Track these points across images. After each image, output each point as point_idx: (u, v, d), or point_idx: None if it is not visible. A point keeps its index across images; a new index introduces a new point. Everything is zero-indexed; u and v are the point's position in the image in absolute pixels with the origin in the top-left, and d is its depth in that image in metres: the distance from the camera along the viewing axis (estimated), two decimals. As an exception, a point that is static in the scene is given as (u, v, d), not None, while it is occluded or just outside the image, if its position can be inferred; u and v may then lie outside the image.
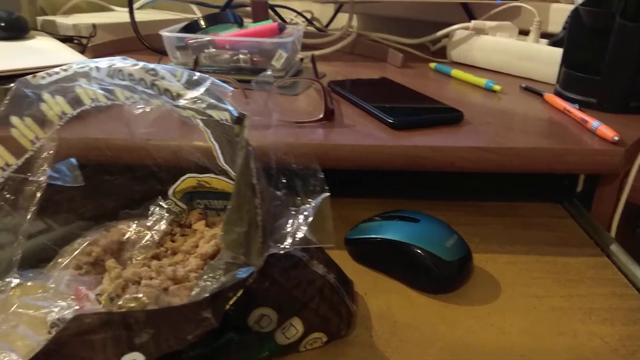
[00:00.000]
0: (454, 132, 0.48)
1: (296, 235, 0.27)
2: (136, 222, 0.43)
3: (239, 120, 0.28)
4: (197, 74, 0.30)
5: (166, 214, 0.44)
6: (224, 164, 0.40)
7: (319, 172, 0.30)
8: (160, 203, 0.45)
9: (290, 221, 0.29)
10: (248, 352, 0.33)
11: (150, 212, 0.44)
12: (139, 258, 0.41)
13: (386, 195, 0.53)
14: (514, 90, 0.66)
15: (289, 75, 0.68)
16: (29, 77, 0.31)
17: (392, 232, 0.41)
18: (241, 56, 0.67)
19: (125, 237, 0.42)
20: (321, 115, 0.51)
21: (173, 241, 0.43)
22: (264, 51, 0.66)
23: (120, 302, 0.31)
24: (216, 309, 0.24)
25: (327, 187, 0.29)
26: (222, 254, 0.31)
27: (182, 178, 0.43)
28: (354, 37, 0.86)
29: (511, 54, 0.73)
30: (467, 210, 0.52)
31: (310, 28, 0.99)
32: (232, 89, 0.29)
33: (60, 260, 0.39)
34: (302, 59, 0.76)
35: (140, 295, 0.31)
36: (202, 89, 0.30)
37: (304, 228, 0.28)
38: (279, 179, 0.31)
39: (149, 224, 0.44)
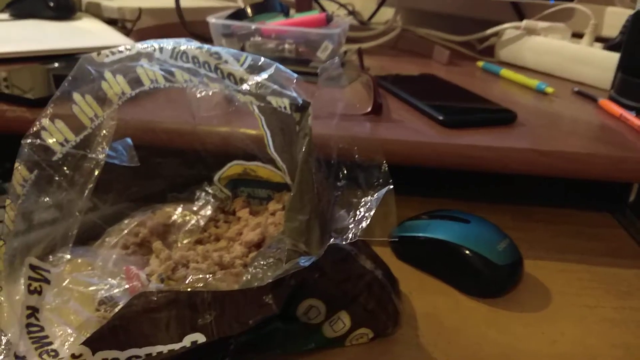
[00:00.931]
0: (507, 132, 0.47)
1: (358, 228, 0.27)
2: (182, 205, 0.43)
3: (302, 108, 0.28)
4: (262, 58, 0.29)
5: (211, 200, 0.44)
6: (274, 153, 0.39)
7: (383, 164, 0.29)
8: (206, 188, 0.45)
9: (351, 213, 0.28)
10: (294, 343, 0.33)
11: (196, 196, 0.44)
12: (184, 242, 0.41)
13: (428, 194, 0.52)
14: (565, 93, 0.64)
15: (333, 67, 0.67)
16: (93, 54, 0.31)
17: (441, 231, 0.40)
18: (287, 46, 0.67)
19: (171, 220, 0.42)
20: (369, 109, 0.50)
21: (217, 227, 0.43)
22: (310, 42, 0.66)
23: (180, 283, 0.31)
24: (277, 295, 0.24)
25: (391, 181, 0.29)
26: (274, 241, 0.30)
27: (229, 164, 0.43)
28: (399, 32, 0.84)
29: (563, 56, 0.71)
30: (514, 214, 0.51)
31: (353, 21, 0.98)
32: (297, 76, 0.29)
33: (108, 239, 0.40)
34: (345, 52, 0.75)
35: (196, 277, 0.31)
36: (265, 75, 0.29)
37: (366, 221, 0.27)
38: (340, 170, 0.30)
39: (194, 208, 0.44)
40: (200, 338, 0.23)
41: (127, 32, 0.80)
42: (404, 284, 0.39)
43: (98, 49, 0.32)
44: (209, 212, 0.43)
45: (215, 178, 0.44)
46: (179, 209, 0.43)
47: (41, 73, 0.57)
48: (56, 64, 0.59)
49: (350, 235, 0.27)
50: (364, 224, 0.27)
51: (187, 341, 0.22)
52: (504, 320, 0.37)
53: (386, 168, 0.29)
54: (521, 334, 0.35)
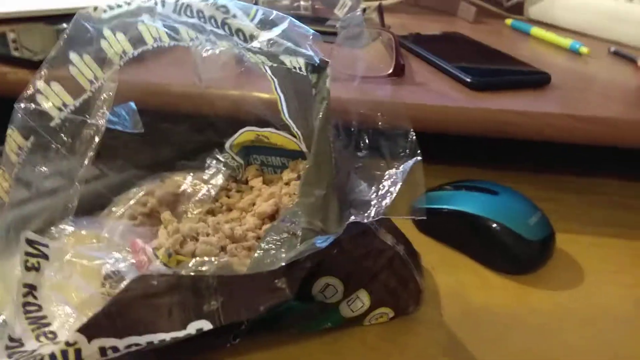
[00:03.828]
0: (541, 96, 0.43)
1: (381, 204, 0.24)
2: (192, 174, 0.41)
3: (319, 68, 0.25)
4: (274, 12, 0.26)
5: (223, 168, 0.42)
6: (288, 119, 0.36)
7: (410, 132, 0.26)
8: (217, 156, 0.42)
9: (374, 187, 0.25)
10: (309, 322, 0.31)
11: (206, 164, 0.42)
12: (194, 212, 0.39)
13: (452, 162, 0.49)
14: (601, 54, 0.59)
15: (352, 25, 0.63)
16: (89, 9, 0.28)
17: (468, 203, 0.37)
18: (302, 2, 0.63)
19: (181, 190, 0.40)
20: (391, 71, 0.47)
21: (228, 197, 0.41)
22: (327, -2, 0.62)
23: (185, 263, 0.28)
24: (291, 279, 0.21)
25: (419, 151, 0.26)
26: (288, 215, 0.28)
27: (241, 131, 0.41)
28: (422, -12, 0.79)
29: (599, 13, 0.66)
30: (544, 184, 0.48)
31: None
32: (313, 32, 0.26)
33: (114, 209, 0.38)
34: (365, 9, 0.71)
35: (203, 258, 0.29)
36: (278, 31, 0.26)
37: (391, 196, 0.24)
38: (361, 138, 0.27)
39: (205, 177, 0.41)
40: (206, 325, 0.21)
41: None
42: (426, 259, 0.37)
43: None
44: (220, 181, 0.41)
45: (227, 145, 0.42)
46: (189, 178, 0.41)
47: (48, 34, 0.54)
48: (64, 25, 0.56)
49: (372, 213, 0.24)
50: (387, 200, 0.25)
51: (191, 328, 0.21)
52: (534, 299, 0.34)
53: (414, 137, 0.26)
54: (552, 314, 0.33)
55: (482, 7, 0.77)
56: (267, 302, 0.21)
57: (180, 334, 0.20)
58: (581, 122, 0.40)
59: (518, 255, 0.35)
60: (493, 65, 0.49)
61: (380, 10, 0.61)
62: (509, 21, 0.70)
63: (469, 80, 0.44)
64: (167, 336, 0.20)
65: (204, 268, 0.26)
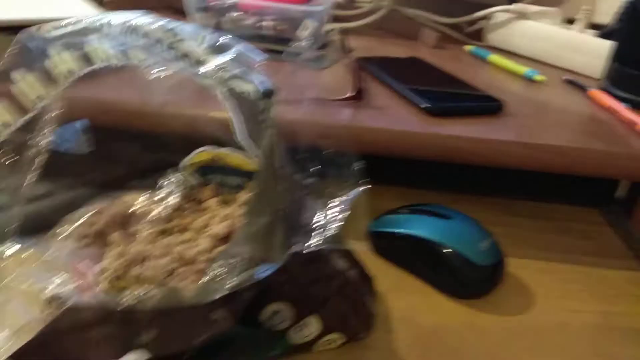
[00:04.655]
0: (494, 123, 0.44)
1: (325, 232, 0.24)
2: (144, 194, 0.40)
3: (267, 95, 0.25)
4: (224, 37, 0.26)
5: (177, 188, 0.41)
6: (243, 140, 0.36)
7: (356, 160, 0.26)
8: (171, 176, 0.42)
9: (319, 214, 0.25)
10: (256, 350, 0.30)
11: (160, 184, 0.41)
12: (145, 233, 0.38)
13: (407, 184, 0.50)
14: (555, 82, 0.61)
15: (314, 47, 0.63)
16: (33, 28, 0.28)
17: (421, 227, 0.37)
18: (265, 23, 0.63)
19: (132, 209, 0.39)
20: (350, 94, 0.47)
21: (183, 217, 0.40)
22: (290, 19, 0.62)
23: (122, 294, 0.28)
24: (231, 310, 0.21)
25: (366, 179, 0.26)
26: (238, 241, 0.28)
27: (196, 151, 0.40)
28: (386, 12, 0.81)
29: (554, 42, 0.68)
30: (497, 208, 0.49)
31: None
32: (262, 58, 0.26)
33: (60, 229, 0.36)
34: (328, 31, 0.71)
35: (141, 288, 0.28)
36: (227, 56, 0.26)
37: (337, 224, 0.24)
38: (310, 164, 0.27)
39: (158, 197, 0.40)
40: (141, 355, 0.20)
41: (99, 1, 0.75)
42: (380, 282, 0.37)
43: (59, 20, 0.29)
44: (174, 201, 0.40)
45: (182, 165, 0.41)
46: (141, 197, 0.40)
47: (3, 44, 0.53)
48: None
49: (317, 241, 0.24)
50: (334, 228, 0.24)
51: None
52: (485, 324, 0.35)
53: (361, 164, 0.26)
54: (502, 339, 0.34)
55: (443, 32, 0.79)
56: (204, 334, 0.21)
57: None
58: (533, 149, 0.41)
59: (468, 279, 0.36)
60: (449, 91, 0.50)
61: (343, 34, 0.62)
62: (468, 47, 0.72)
63: (424, 105, 0.45)
64: None
65: (143, 298, 0.25)
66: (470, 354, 0.32)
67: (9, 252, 0.33)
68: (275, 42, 0.61)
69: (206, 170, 0.42)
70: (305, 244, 0.24)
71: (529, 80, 0.60)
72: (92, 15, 0.28)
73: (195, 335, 0.21)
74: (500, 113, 0.47)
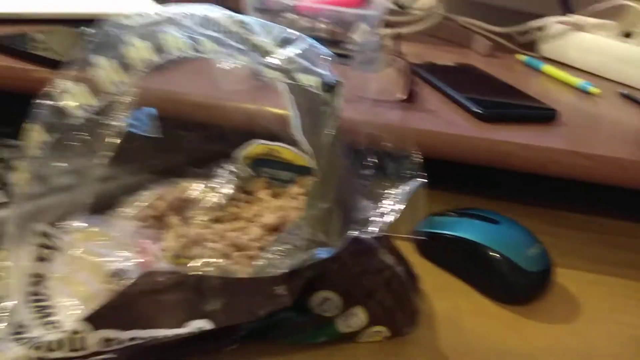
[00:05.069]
0: (547, 131, 0.44)
1: (383, 222, 0.25)
2: (202, 182, 0.42)
3: (333, 87, 0.26)
4: (295, 32, 0.27)
5: (232, 178, 0.43)
6: (299, 135, 0.37)
7: (415, 155, 0.27)
8: (228, 166, 0.43)
9: (377, 205, 0.26)
10: (304, 334, 0.31)
11: (216, 173, 0.43)
12: (201, 219, 0.40)
13: (456, 189, 0.50)
14: (610, 95, 0.60)
15: (367, 51, 0.64)
16: (120, 17, 0.30)
17: (469, 231, 0.38)
18: (321, 25, 0.65)
19: (190, 196, 0.41)
20: (402, 96, 0.48)
21: (236, 207, 0.42)
22: (345, 22, 0.63)
23: (190, 264, 0.29)
24: (291, 286, 0.22)
25: (423, 173, 0.27)
26: (293, 227, 0.29)
27: (253, 143, 0.42)
28: (438, 19, 0.81)
29: (612, 56, 0.67)
30: (545, 218, 0.48)
31: (391, 4, 0.94)
32: (332, 53, 0.27)
33: (125, 210, 0.39)
34: (381, 36, 0.72)
35: (208, 259, 0.29)
36: (296, 50, 0.27)
37: (393, 214, 0.25)
38: (367, 158, 0.28)
39: (214, 185, 0.42)
40: (206, 325, 0.21)
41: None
42: (425, 282, 0.37)
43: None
44: (229, 191, 0.42)
45: (238, 156, 0.43)
46: (199, 185, 0.42)
47: (73, 37, 0.56)
48: (89, 29, 0.58)
49: (373, 229, 0.25)
50: (390, 218, 0.25)
51: (192, 327, 0.21)
52: (529, 330, 0.35)
53: (419, 159, 0.27)
54: (546, 347, 0.33)
55: (496, 41, 0.79)
56: (266, 307, 0.22)
57: (181, 331, 0.21)
58: (585, 159, 0.41)
59: (515, 284, 0.36)
60: (502, 98, 0.50)
61: (397, 37, 0.63)
62: (521, 57, 0.72)
63: (476, 110, 0.45)
64: (169, 332, 0.21)
65: (208, 269, 0.27)
66: (513, 358, 0.32)
67: (78, 227, 0.35)
68: (330, 44, 0.62)
69: (259, 162, 0.43)
70: (360, 232, 0.25)
71: (583, 92, 0.60)
72: (173, 7, 0.30)
73: (257, 308, 0.22)
74: (554, 122, 0.47)
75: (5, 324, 0.25)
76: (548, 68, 0.66)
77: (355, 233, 0.25)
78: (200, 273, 0.23)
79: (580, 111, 0.52)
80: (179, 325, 0.21)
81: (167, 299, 0.21)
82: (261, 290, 0.22)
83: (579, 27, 0.72)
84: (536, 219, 0.47)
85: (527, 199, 0.50)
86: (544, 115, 0.47)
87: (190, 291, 0.21)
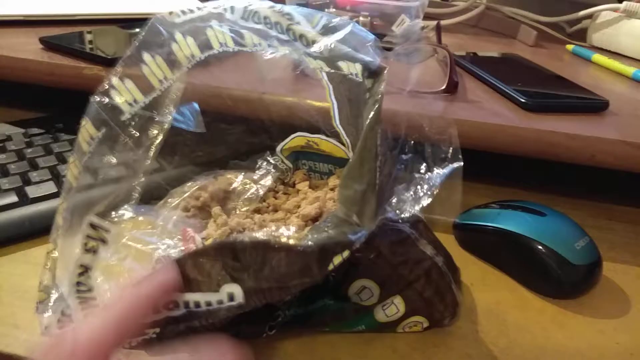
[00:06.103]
0: (596, 121, 0.43)
1: (417, 204, 0.25)
2: (243, 173, 0.43)
3: (376, 72, 0.26)
4: (337, 18, 0.27)
5: (272, 170, 0.44)
6: (339, 126, 0.38)
7: (454, 138, 0.26)
8: (268, 158, 0.44)
9: (413, 188, 0.26)
10: (343, 322, 0.32)
11: (257, 165, 0.44)
12: (242, 209, 0.41)
13: (499, 182, 0.49)
14: (666, 84, 0.57)
15: (409, 42, 0.64)
16: (164, 14, 0.31)
17: (513, 223, 0.37)
18: (361, 18, 0.64)
19: (232, 187, 0.42)
20: (444, 87, 0.47)
21: (275, 198, 0.42)
22: (385, 15, 0.63)
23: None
24: (321, 262, 0.22)
25: (460, 156, 0.26)
26: (330, 214, 0.29)
27: (292, 136, 0.42)
28: (482, 10, 0.79)
29: (667, 42, 0.64)
30: (594, 211, 0.46)
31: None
32: (374, 37, 0.27)
33: (170, 200, 0.40)
34: (423, 28, 0.71)
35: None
36: (338, 36, 0.27)
37: (428, 197, 0.25)
38: (406, 144, 0.28)
39: (255, 177, 0.43)
40: (237, 290, 0.22)
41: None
42: (465, 274, 0.37)
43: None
44: (269, 182, 0.43)
45: (278, 149, 0.43)
46: (240, 177, 0.43)
47: (122, 36, 0.59)
48: (137, 29, 0.60)
49: (407, 211, 0.25)
50: (425, 202, 0.25)
51: (223, 293, 0.22)
52: (575, 325, 0.34)
53: (457, 143, 0.26)
54: (592, 342, 0.32)
55: (542, 31, 0.76)
56: (296, 279, 0.22)
57: (214, 297, 0.22)
58: (637, 149, 0.39)
59: (561, 278, 0.35)
60: (549, 88, 0.49)
61: (438, 28, 0.62)
62: (569, 47, 0.69)
63: (523, 100, 0.44)
64: (203, 298, 0.22)
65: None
66: (558, 353, 0.31)
67: (126, 216, 0.36)
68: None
69: (299, 154, 0.44)
70: (392, 215, 0.25)
71: (637, 81, 0.57)
72: (216, 1, 0.30)
73: (289, 278, 0.22)
74: (604, 112, 0.45)
75: (51, 313, 0.27)
76: (599, 57, 0.63)
77: (390, 214, 0.25)
78: (236, 238, 0.24)
79: (633, 100, 0.50)
80: (212, 288, 0.22)
81: (206, 261, 0.22)
82: (292, 263, 0.22)
83: (630, 14, 0.68)
84: (584, 212, 0.45)
85: (574, 191, 0.49)
86: (593, 105, 0.45)
87: (227, 255, 0.22)
